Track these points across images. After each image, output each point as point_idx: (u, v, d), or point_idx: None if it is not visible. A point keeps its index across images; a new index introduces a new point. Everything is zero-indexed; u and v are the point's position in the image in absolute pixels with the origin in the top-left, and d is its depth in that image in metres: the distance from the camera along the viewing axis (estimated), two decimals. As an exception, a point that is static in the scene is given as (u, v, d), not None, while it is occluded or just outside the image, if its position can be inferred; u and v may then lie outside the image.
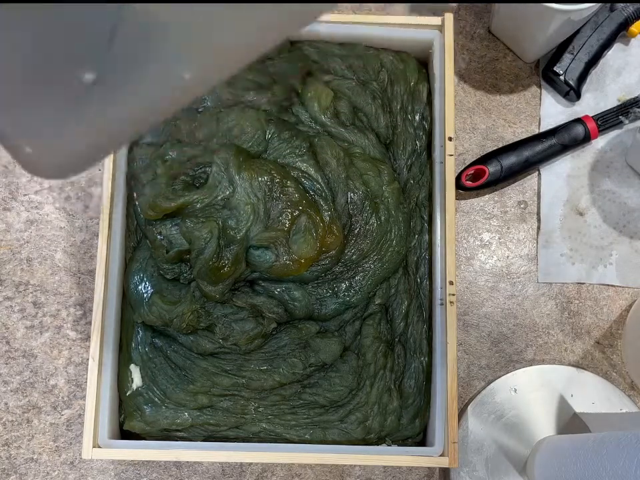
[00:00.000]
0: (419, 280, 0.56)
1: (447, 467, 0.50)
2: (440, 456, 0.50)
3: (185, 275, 0.53)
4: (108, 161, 0.53)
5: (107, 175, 0.53)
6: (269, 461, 0.50)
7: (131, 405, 0.52)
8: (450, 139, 0.54)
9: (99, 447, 0.50)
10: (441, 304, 0.53)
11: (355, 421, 0.53)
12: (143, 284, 0.53)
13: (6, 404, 0.57)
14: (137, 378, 0.52)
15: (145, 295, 0.53)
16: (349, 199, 0.54)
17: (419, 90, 0.57)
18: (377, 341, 0.54)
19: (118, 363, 0.53)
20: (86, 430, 0.49)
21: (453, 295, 0.52)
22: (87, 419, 0.49)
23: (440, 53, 0.56)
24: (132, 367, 0.52)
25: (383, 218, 0.54)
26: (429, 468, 0.57)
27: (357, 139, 0.55)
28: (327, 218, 0.52)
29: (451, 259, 0.52)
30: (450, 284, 0.52)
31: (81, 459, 0.56)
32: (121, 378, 0.53)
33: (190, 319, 0.52)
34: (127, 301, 0.54)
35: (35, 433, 0.57)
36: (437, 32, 0.56)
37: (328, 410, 0.53)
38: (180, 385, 0.52)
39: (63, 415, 0.57)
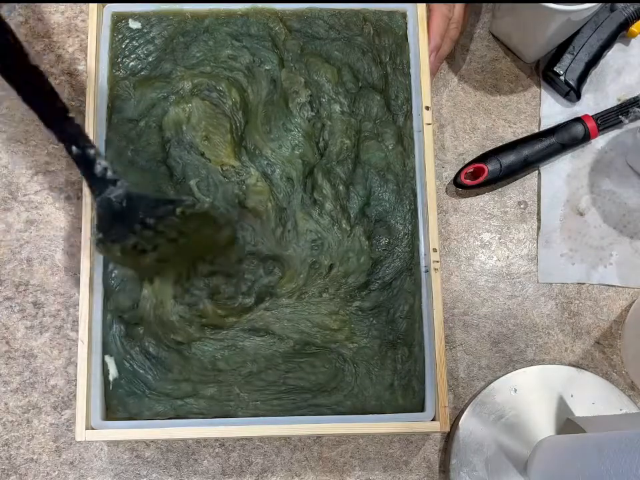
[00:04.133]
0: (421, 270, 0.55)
1: (438, 431, 0.50)
2: (432, 421, 0.51)
3: None
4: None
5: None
6: (264, 434, 0.51)
7: (112, 398, 0.52)
8: (427, 107, 0.55)
9: (92, 429, 0.50)
10: (426, 271, 0.54)
11: (351, 405, 0.52)
12: (120, 271, 0.53)
13: (6, 404, 0.57)
14: (112, 369, 0.52)
15: (120, 281, 0.52)
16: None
17: (408, 42, 0.58)
18: (370, 338, 0.53)
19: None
20: (79, 412, 0.49)
21: (437, 261, 0.53)
22: (79, 401, 0.49)
23: (414, 23, 0.57)
24: (106, 357, 0.52)
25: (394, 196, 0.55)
26: (428, 468, 0.57)
27: (363, 108, 0.56)
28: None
29: (433, 227, 0.54)
30: (434, 251, 0.53)
31: (81, 459, 0.56)
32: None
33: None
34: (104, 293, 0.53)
35: (35, 433, 0.57)
36: (411, 4, 0.58)
37: (316, 395, 0.52)
38: (159, 374, 0.52)
39: (63, 415, 0.57)
